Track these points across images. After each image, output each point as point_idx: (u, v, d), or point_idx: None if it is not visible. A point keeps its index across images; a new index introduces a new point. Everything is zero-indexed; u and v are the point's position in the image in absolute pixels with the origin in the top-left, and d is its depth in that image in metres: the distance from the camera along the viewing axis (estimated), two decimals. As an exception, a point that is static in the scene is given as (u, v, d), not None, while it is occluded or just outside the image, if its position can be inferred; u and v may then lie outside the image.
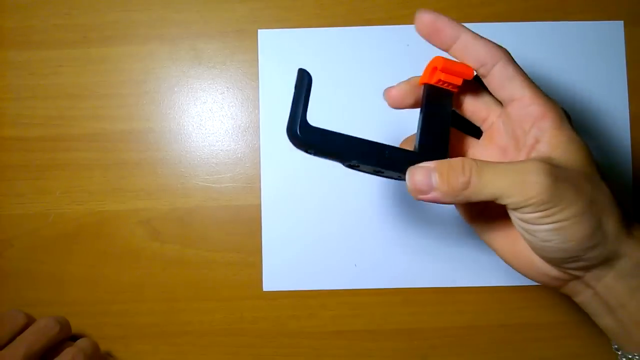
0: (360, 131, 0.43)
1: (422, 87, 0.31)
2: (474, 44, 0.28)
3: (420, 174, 0.27)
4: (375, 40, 0.44)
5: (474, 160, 0.26)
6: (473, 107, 0.31)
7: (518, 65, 0.28)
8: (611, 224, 0.26)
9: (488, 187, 0.26)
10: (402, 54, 0.44)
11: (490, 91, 0.29)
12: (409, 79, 0.32)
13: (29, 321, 0.37)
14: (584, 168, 0.27)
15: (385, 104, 0.44)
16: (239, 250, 0.44)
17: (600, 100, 0.44)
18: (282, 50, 0.44)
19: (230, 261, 0.44)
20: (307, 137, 0.27)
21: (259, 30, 0.44)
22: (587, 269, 0.28)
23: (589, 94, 0.44)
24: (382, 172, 0.30)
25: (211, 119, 0.44)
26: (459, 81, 0.30)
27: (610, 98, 0.44)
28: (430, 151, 0.29)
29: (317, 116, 0.44)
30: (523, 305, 0.43)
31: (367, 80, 0.44)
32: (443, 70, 0.29)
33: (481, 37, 0.28)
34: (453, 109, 0.31)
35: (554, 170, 0.25)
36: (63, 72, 0.44)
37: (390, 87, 0.31)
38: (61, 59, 0.44)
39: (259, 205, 0.44)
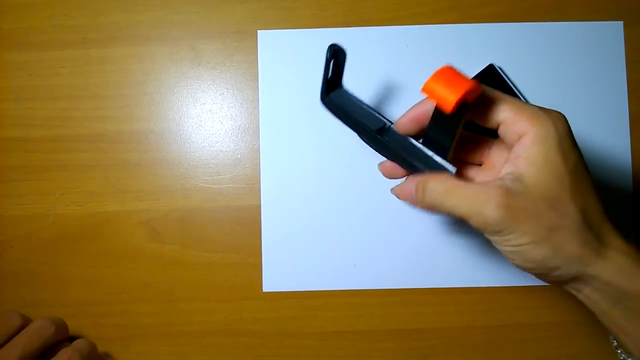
0: (360, 132, 0.43)
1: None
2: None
3: (405, 191, 0.33)
4: (375, 41, 0.44)
5: (447, 178, 0.29)
6: (483, 120, 0.31)
7: (494, 90, 0.29)
8: (574, 248, 0.27)
9: (453, 210, 0.29)
10: (401, 54, 0.44)
11: (483, 125, 0.30)
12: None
13: (25, 322, 0.37)
14: (552, 191, 0.27)
15: (385, 103, 0.44)
16: (238, 251, 0.44)
17: (600, 100, 0.44)
18: (282, 51, 0.44)
19: (230, 262, 0.44)
20: (326, 106, 0.36)
21: (258, 31, 0.44)
22: (560, 283, 0.29)
23: (589, 94, 0.44)
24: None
25: (211, 119, 0.44)
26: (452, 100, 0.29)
27: (610, 98, 0.44)
28: (433, 144, 0.31)
29: (318, 116, 0.44)
30: (522, 306, 0.43)
31: (367, 81, 0.44)
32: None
33: None
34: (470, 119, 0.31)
35: (510, 201, 0.27)
36: (63, 73, 0.44)
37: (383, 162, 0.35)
38: (61, 60, 0.44)
39: (259, 206, 0.44)
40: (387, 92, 0.44)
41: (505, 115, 0.28)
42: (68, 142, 0.44)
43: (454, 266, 0.43)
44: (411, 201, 0.32)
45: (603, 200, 0.29)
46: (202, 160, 0.44)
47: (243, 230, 0.44)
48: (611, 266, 0.27)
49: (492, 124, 0.29)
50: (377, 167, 0.44)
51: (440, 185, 0.29)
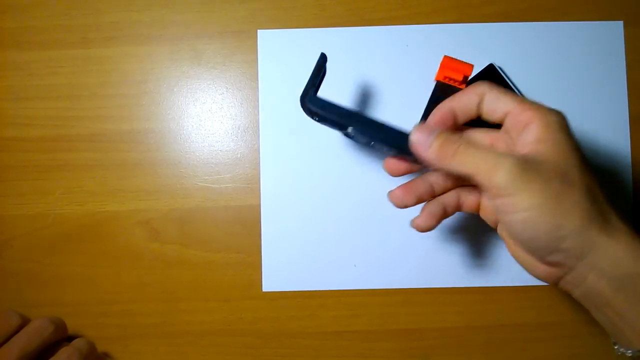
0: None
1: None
2: (460, 96, 0.32)
3: (424, 131, 0.31)
4: (375, 40, 0.44)
5: (462, 140, 0.30)
6: (490, 114, 0.32)
7: (502, 88, 0.31)
8: (580, 219, 0.27)
9: (468, 161, 0.29)
10: (401, 54, 0.44)
11: (489, 121, 0.32)
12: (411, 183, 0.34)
13: (24, 322, 0.37)
14: (561, 165, 0.28)
15: (385, 103, 0.44)
16: (238, 251, 0.44)
17: (600, 100, 0.44)
18: (281, 51, 0.44)
19: (230, 261, 0.44)
20: (313, 106, 0.33)
21: (258, 31, 0.44)
22: (568, 265, 0.29)
23: (589, 94, 0.44)
24: (374, 144, 0.33)
25: (211, 119, 0.44)
26: (459, 76, 0.34)
27: (610, 98, 0.44)
28: None
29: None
30: (522, 306, 0.43)
31: (367, 81, 0.44)
32: (445, 67, 0.34)
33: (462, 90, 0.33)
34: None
35: (524, 163, 0.28)
36: (63, 72, 0.44)
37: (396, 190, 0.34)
38: (61, 60, 0.44)
39: (259, 206, 0.44)
40: (387, 92, 0.44)
41: (510, 107, 0.30)
42: (68, 141, 0.44)
43: (454, 266, 0.43)
44: (421, 146, 0.31)
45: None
46: (202, 159, 0.44)
47: (243, 230, 0.44)
48: (617, 246, 0.28)
49: (498, 116, 0.31)
50: (377, 167, 0.44)
51: (457, 139, 0.30)
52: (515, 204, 0.28)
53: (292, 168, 0.44)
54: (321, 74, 0.35)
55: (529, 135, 0.29)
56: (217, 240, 0.44)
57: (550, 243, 0.28)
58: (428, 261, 0.43)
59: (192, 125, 0.44)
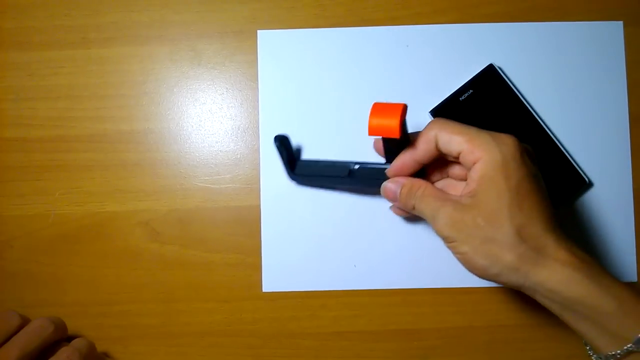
0: (360, 131, 0.44)
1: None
2: (416, 145, 0.34)
3: (393, 183, 0.36)
4: (375, 41, 0.44)
5: (426, 187, 0.34)
6: (445, 151, 0.35)
7: (453, 125, 0.33)
8: (509, 260, 0.30)
9: (422, 211, 0.34)
10: (402, 54, 0.44)
11: (448, 159, 0.35)
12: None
13: (24, 322, 0.37)
14: (492, 207, 0.31)
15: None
16: (238, 251, 0.44)
17: (600, 100, 0.44)
18: (281, 51, 0.44)
19: (230, 262, 0.44)
20: (295, 182, 0.43)
21: (258, 31, 0.44)
22: (515, 288, 0.32)
23: (589, 94, 0.44)
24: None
25: (211, 119, 0.44)
26: (394, 132, 0.32)
27: (610, 98, 0.44)
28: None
29: (317, 116, 0.44)
30: (522, 306, 0.43)
31: (367, 81, 0.44)
32: (374, 123, 0.33)
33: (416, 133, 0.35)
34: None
35: (455, 214, 0.32)
36: (63, 73, 0.44)
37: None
38: (61, 60, 0.44)
39: (259, 206, 0.44)
40: (388, 92, 0.44)
41: (462, 147, 0.32)
42: (68, 142, 0.44)
43: (454, 266, 0.43)
44: (392, 199, 0.36)
45: (552, 212, 0.32)
46: (201, 160, 0.44)
47: (243, 230, 0.44)
48: (551, 276, 0.30)
49: (454, 156, 0.33)
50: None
51: (419, 190, 0.34)
52: (451, 247, 0.33)
53: (292, 168, 0.44)
54: (285, 153, 0.40)
55: (474, 174, 0.32)
56: (217, 240, 0.44)
57: (488, 278, 0.32)
58: (428, 261, 0.43)
59: (192, 126, 0.44)
